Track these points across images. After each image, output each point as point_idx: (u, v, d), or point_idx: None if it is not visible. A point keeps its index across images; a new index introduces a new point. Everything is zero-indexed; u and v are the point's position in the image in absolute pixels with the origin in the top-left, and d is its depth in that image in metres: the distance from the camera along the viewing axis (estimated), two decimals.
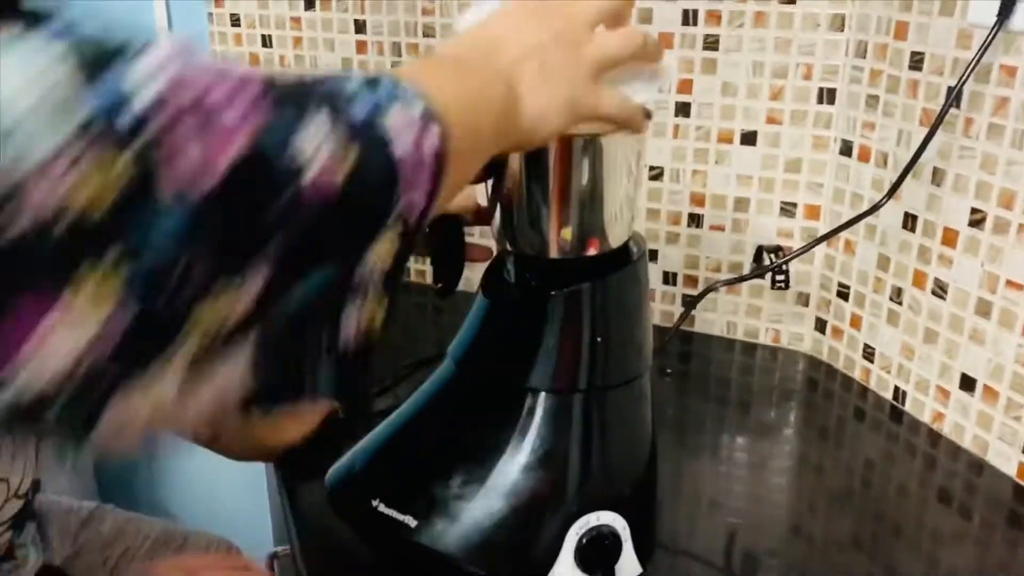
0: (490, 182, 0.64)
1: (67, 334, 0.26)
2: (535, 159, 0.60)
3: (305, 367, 0.36)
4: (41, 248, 0.25)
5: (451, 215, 0.63)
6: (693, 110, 1.02)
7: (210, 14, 1.26)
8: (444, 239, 0.64)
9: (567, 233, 0.62)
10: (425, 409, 0.67)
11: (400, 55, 1.15)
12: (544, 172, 0.60)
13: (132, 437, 0.30)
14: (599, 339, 0.63)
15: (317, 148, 0.31)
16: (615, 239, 0.64)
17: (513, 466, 0.62)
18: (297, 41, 1.21)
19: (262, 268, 0.30)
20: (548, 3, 0.53)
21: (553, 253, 0.63)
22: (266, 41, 1.23)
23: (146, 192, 0.26)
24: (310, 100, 0.33)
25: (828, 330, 1.02)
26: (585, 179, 0.61)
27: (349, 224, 0.34)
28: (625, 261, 0.65)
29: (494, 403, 0.65)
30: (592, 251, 0.63)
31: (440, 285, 0.65)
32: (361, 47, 1.18)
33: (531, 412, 0.63)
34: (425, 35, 1.13)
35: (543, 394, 0.63)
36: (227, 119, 0.29)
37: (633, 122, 0.58)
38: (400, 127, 0.36)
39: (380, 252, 0.36)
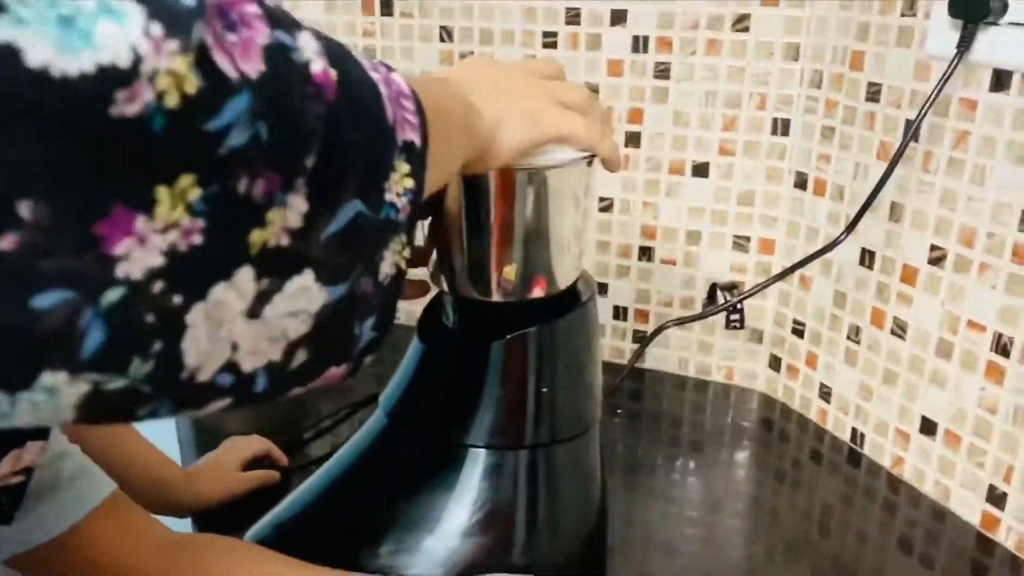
0: (426, 221, 0.59)
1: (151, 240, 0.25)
2: (475, 193, 0.55)
3: (353, 312, 0.34)
4: (143, 141, 0.24)
5: None
6: (644, 140, 0.98)
7: None
8: None
9: (510, 273, 0.58)
10: (353, 466, 0.61)
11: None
12: (485, 207, 0.56)
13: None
14: (544, 390, 0.58)
15: (311, 48, 0.30)
16: (563, 279, 0.59)
17: (450, 531, 0.57)
18: None
19: (302, 185, 0.29)
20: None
21: (495, 296, 0.58)
22: None
23: (215, 75, 0.25)
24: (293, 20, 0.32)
25: (783, 368, 0.99)
26: (529, 214, 0.56)
27: (360, 128, 0.32)
28: (574, 303, 0.60)
29: (429, 460, 0.59)
30: (538, 293, 0.59)
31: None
32: None
33: (470, 471, 0.58)
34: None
35: (484, 451, 0.58)
36: (248, 10, 0.28)
37: (605, 145, 0.55)
38: (373, 70, 0.36)
39: (396, 184, 0.34)
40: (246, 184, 0.26)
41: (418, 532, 0.57)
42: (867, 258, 0.86)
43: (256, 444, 0.83)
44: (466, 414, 0.58)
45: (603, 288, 1.05)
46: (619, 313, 1.05)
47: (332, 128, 0.29)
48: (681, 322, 0.93)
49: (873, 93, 0.83)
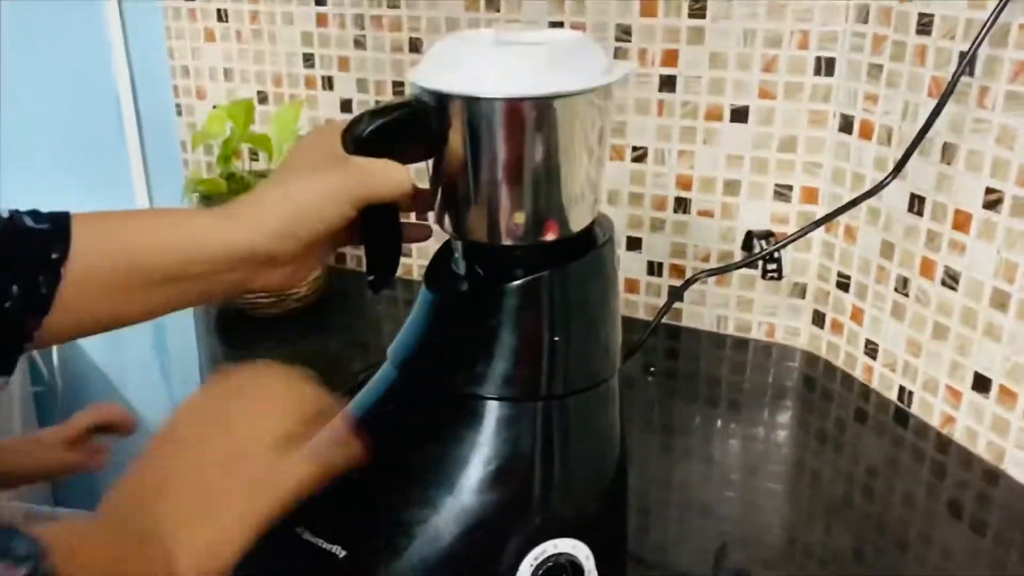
0: (430, 161, 0.55)
1: None
2: (479, 128, 0.52)
3: None
4: None
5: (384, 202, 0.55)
6: (679, 84, 0.93)
7: None
8: (377, 226, 0.55)
9: (520, 217, 0.54)
10: (362, 419, 0.58)
11: (363, 28, 1.06)
12: (491, 143, 0.52)
13: None
14: (557, 338, 0.54)
15: None
16: (576, 222, 0.55)
17: (459, 487, 0.54)
18: (254, 16, 1.13)
19: None
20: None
21: (505, 240, 0.55)
22: (222, 15, 1.15)
23: None
24: None
25: (827, 324, 0.94)
26: (538, 150, 0.52)
27: None
28: (589, 247, 0.56)
29: (439, 413, 0.56)
30: (550, 236, 0.55)
31: (372, 277, 0.56)
32: (322, 20, 1.09)
33: (480, 424, 0.55)
34: (390, 6, 1.04)
35: (496, 402, 0.55)
36: None
37: None
38: None
39: None
40: None
41: (425, 487, 0.54)
42: (916, 204, 0.80)
43: (94, 414, 0.78)
44: (476, 364, 0.55)
45: (637, 243, 1.01)
46: (653, 268, 1.01)
47: None
48: (713, 273, 0.89)
49: (924, 25, 0.77)
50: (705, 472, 0.79)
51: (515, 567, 0.54)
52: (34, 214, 0.50)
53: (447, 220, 0.57)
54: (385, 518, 0.55)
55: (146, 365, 1.37)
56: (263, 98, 1.16)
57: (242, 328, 1.05)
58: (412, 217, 0.59)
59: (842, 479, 0.78)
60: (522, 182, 0.53)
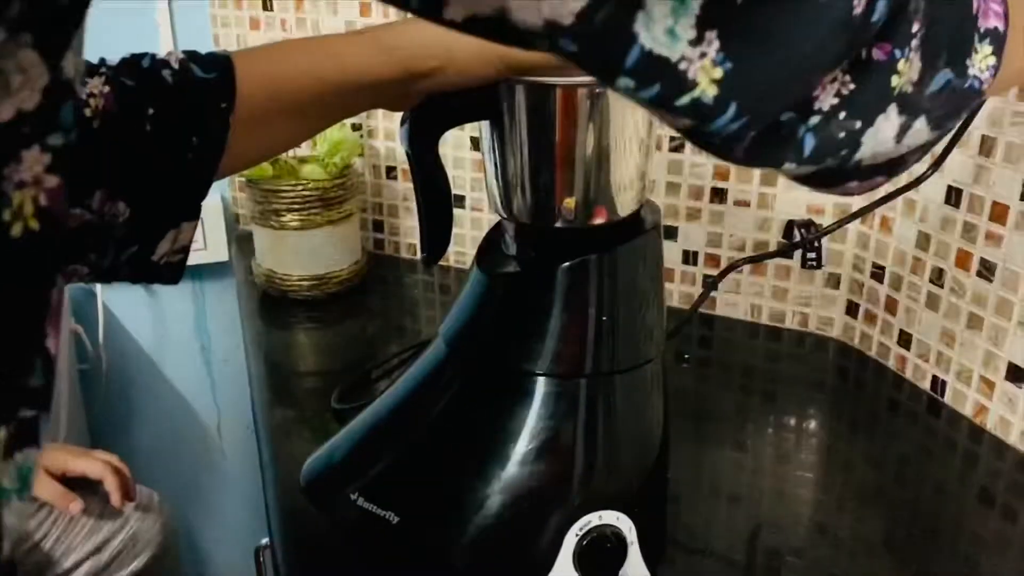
0: (485, 143, 0.57)
1: None
2: (536, 115, 0.54)
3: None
4: None
5: (440, 174, 0.56)
6: None
7: None
8: (431, 200, 0.57)
9: (571, 203, 0.56)
10: (412, 395, 0.60)
11: (406, 17, 1.08)
12: (546, 129, 0.54)
13: None
14: (605, 318, 0.56)
15: None
16: (625, 207, 0.57)
17: (507, 458, 0.56)
18: (299, 4, 1.15)
19: (915, 48, 0.35)
20: None
21: (556, 222, 0.57)
22: (267, 4, 1.17)
23: None
24: None
25: (860, 314, 0.95)
26: (592, 138, 0.54)
27: (949, 14, 0.37)
28: (636, 231, 0.58)
29: (488, 388, 0.58)
30: (600, 220, 0.57)
31: (426, 253, 0.59)
32: (364, 9, 1.11)
33: (529, 399, 0.57)
34: None
35: (543, 379, 0.57)
36: None
37: None
38: None
39: (979, 62, 0.38)
40: (869, 52, 0.34)
41: (475, 458, 0.56)
42: (954, 196, 0.81)
43: (88, 465, 0.82)
44: (525, 342, 0.57)
45: (673, 231, 1.02)
46: (689, 258, 1.02)
47: (928, 12, 0.35)
48: (753, 260, 0.90)
49: None
50: (737, 459, 0.80)
51: (560, 536, 0.56)
52: (200, 61, 0.53)
53: (500, 202, 0.59)
54: (437, 487, 0.57)
55: (188, 345, 1.40)
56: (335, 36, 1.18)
57: (284, 309, 1.08)
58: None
59: (874, 468, 0.79)
60: (574, 166, 0.55)
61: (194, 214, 0.55)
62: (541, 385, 0.57)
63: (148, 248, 0.53)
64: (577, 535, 0.56)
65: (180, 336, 1.39)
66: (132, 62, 0.52)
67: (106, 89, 0.50)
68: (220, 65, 0.53)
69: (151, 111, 0.50)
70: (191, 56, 0.53)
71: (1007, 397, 0.78)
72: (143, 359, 1.37)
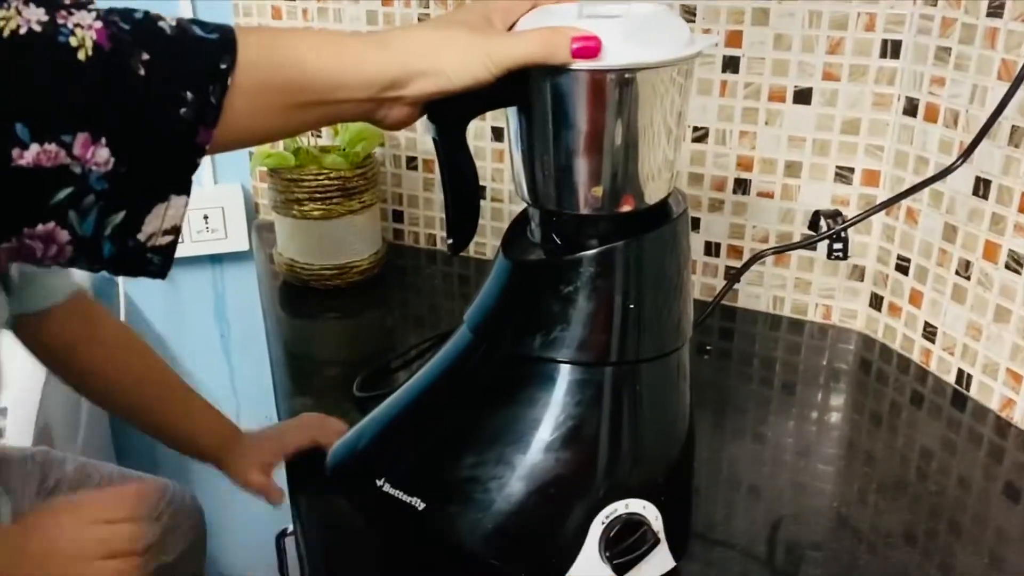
0: (511, 129, 0.57)
1: None
2: (561, 99, 0.53)
3: None
4: None
5: (467, 162, 0.56)
6: (742, 65, 0.94)
7: None
8: (458, 188, 0.57)
9: (598, 191, 0.55)
10: (438, 381, 0.60)
11: (428, 6, 1.08)
12: (572, 114, 0.54)
13: None
14: (632, 306, 0.56)
15: None
16: (652, 195, 0.57)
17: (534, 446, 0.56)
18: None
19: None
20: None
21: (582, 209, 0.56)
22: None
23: None
24: None
25: (884, 307, 0.94)
26: (619, 122, 0.54)
27: None
28: (663, 219, 0.57)
29: (514, 376, 0.58)
30: (627, 207, 0.56)
31: (452, 240, 0.58)
32: None
33: (555, 386, 0.57)
34: None
35: (569, 366, 0.57)
36: None
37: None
38: None
39: None
40: None
41: (501, 445, 0.56)
42: (982, 187, 0.80)
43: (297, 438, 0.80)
44: (552, 329, 0.57)
45: (695, 223, 1.01)
46: (711, 249, 1.02)
47: None
48: (779, 251, 0.90)
49: (996, 7, 0.76)
50: (758, 451, 0.80)
51: (587, 524, 0.56)
52: (201, 23, 0.51)
53: (526, 189, 0.58)
54: (462, 474, 0.57)
55: (207, 333, 1.41)
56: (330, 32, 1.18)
57: (305, 299, 1.08)
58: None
59: (897, 461, 0.78)
60: (602, 154, 0.55)
61: (184, 187, 0.51)
62: (566, 373, 0.57)
63: (135, 220, 0.50)
64: (603, 523, 0.56)
65: (200, 325, 1.39)
66: (125, 11, 0.49)
67: (98, 25, 0.47)
68: (222, 29, 0.51)
69: (145, 56, 0.47)
70: (191, 20, 0.51)
71: None
72: (163, 348, 1.38)
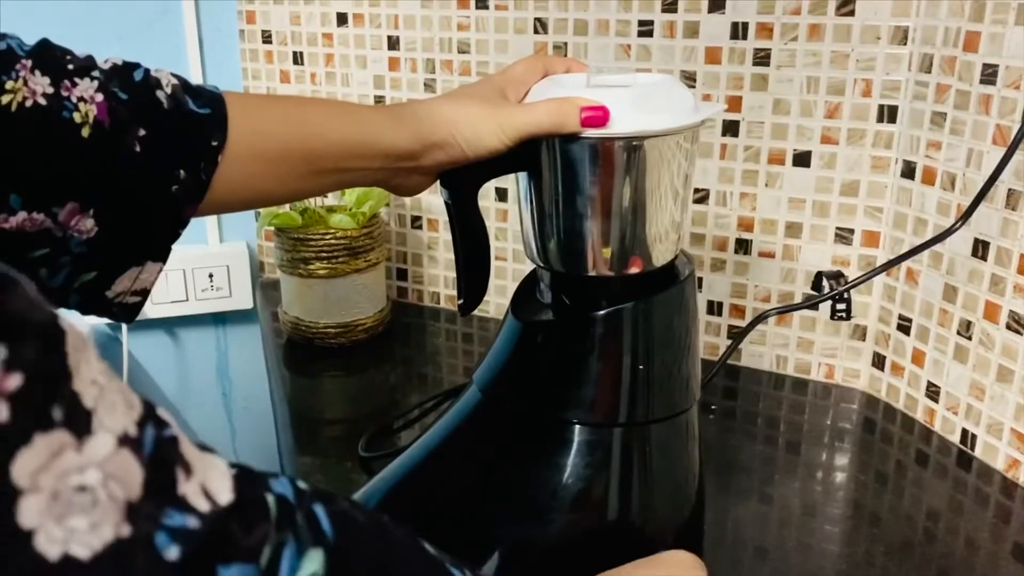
0: (521, 192, 0.58)
1: None
2: (571, 165, 0.55)
3: None
4: None
5: (479, 224, 0.57)
6: (742, 129, 0.96)
7: (241, 31, 1.23)
8: (470, 250, 0.58)
9: (607, 250, 0.56)
10: (446, 442, 0.61)
11: (434, 71, 1.11)
12: (582, 179, 0.55)
13: None
14: (641, 367, 0.56)
15: None
16: (660, 256, 0.58)
17: (543, 508, 0.56)
18: (329, 58, 1.18)
19: None
20: None
21: (591, 271, 0.57)
22: (297, 58, 1.20)
23: None
24: None
25: (887, 366, 0.95)
26: (628, 187, 0.55)
27: None
28: (671, 281, 0.58)
29: (523, 436, 0.59)
30: (635, 269, 0.57)
31: (462, 301, 0.59)
32: (394, 64, 1.13)
33: (564, 447, 0.57)
34: (460, 51, 1.08)
35: (578, 427, 0.57)
36: None
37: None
38: None
39: None
40: None
41: (510, 507, 0.56)
42: (980, 249, 0.81)
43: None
44: (560, 390, 0.57)
45: (698, 282, 1.02)
46: (714, 308, 1.03)
47: None
48: (783, 311, 0.90)
49: (989, 75, 0.79)
50: (763, 512, 0.79)
51: None
52: (193, 93, 0.51)
53: (536, 251, 0.59)
54: (471, 535, 0.57)
55: (210, 392, 1.40)
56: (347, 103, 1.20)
57: (310, 357, 1.08)
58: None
59: (903, 522, 0.78)
60: (610, 217, 0.56)
61: (162, 255, 0.52)
62: (576, 433, 0.57)
63: (105, 280, 0.51)
64: None
65: (202, 383, 1.39)
66: (124, 71, 0.50)
67: (99, 97, 0.47)
68: (214, 102, 0.51)
69: (142, 132, 0.48)
70: (184, 84, 0.51)
71: None
72: (166, 405, 1.37)
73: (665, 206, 0.57)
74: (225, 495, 0.29)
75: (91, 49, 0.51)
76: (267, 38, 1.21)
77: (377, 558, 0.35)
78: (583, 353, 0.57)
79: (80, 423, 0.25)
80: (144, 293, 0.53)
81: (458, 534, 0.57)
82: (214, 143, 0.50)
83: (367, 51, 1.15)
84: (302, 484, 0.33)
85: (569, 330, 0.58)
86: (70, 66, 0.48)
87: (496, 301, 1.13)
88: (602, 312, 0.56)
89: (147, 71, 0.51)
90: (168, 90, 0.50)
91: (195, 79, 1.23)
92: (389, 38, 1.12)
